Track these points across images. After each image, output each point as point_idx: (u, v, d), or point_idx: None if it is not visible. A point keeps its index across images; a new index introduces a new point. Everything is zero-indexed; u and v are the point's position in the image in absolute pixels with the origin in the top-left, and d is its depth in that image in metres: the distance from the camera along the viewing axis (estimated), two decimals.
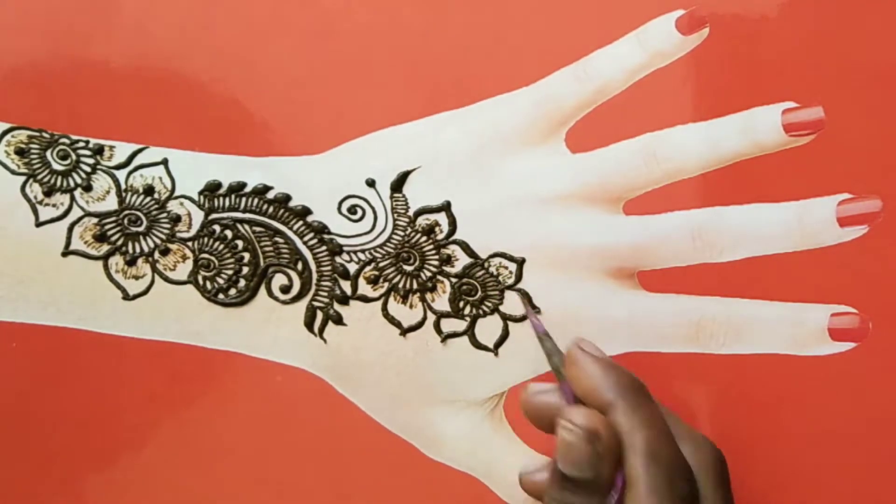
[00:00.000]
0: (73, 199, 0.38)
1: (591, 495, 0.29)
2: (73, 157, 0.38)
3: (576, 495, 0.29)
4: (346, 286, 0.38)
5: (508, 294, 0.37)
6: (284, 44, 0.38)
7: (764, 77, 0.37)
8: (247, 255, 0.38)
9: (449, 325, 0.38)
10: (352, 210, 0.38)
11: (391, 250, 0.38)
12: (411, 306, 0.38)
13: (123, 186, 0.38)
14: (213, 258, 0.38)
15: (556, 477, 0.30)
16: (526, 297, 0.37)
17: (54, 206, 0.38)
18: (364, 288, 0.38)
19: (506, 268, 0.37)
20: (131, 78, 0.38)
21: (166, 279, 0.38)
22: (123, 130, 0.38)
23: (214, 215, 0.38)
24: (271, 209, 0.38)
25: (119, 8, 0.38)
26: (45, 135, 0.38)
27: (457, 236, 0.38)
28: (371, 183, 0.38)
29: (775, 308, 0.37)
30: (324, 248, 0.38)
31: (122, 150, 0.38)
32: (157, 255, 0.38)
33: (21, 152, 0.38)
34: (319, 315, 0.38)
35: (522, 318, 0.37)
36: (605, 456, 0.29)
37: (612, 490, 0.29)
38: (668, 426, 0.30)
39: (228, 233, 0.38)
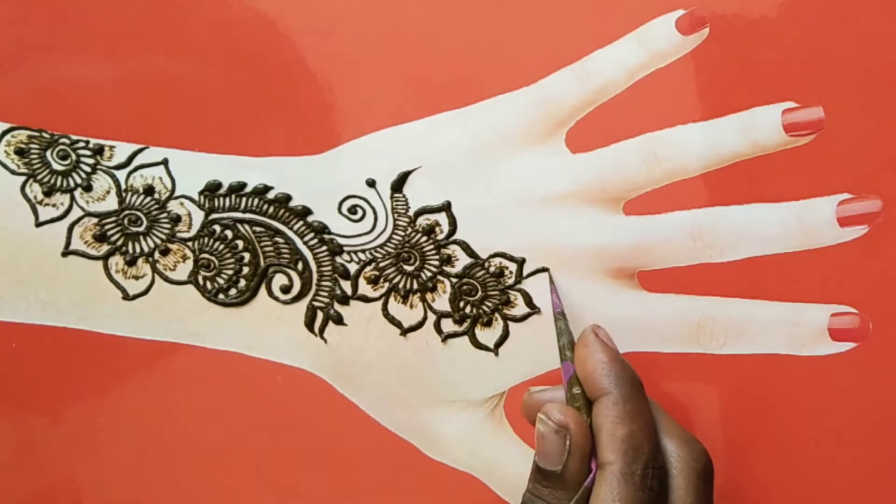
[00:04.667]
0: (73, 199, 0.38)
1: (558, 489, 0.31)
2: (73, 157, 0.38)
3: (545, 487, 0.31)
4: (346, 286, 0.38)
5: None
6: (284, 44, 0.38)
7: (764, 77, 0.37)
8: (247, 255, 0.38)
9: (449, 325, 0.38)
10: (352, 210, 0.38)
11: (391, 250, 0.38)
12: (412, 306, 0.38)
13: (123, 186, 0.38)
14: (213, 258, 0.38)
15: (532, 468, 0.32)
16: (550, 276, 0.37)
17: (54, 206, 0.38)
18: (364, 288, 0.38)
19: (506, 268, 0.37)
20: (131, 78, 0.38)
21: (166, 279, 0.38)
22: (123, 130, 0.38)
23: (215, 215, 0.38)
24: (272, 209, 0.38)
25: (119, 7, 0.38)
26: (45, 135, 0.38)
27: (457, 236, 0.38)
28: (371, 183, 0.38)
29: (775, 308, 0.37)
30: (324, 248, 0.38)
31: (122, 150, 0.38)
32: (157, 255, 0.38)
33: (21, 152, 0.38)
34: (320, 315, 0.38)
35: (523, 318, 0.37)
36: (573, 451, 0.30)
37: (588, 476, 0.31)
38: (656, 423, 0.32)
39: (229, 233, 0.38)
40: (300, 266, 0.38)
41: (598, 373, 0.32)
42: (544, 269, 0.37)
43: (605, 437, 0.30)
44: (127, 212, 0.38)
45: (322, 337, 0.38)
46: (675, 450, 0.31)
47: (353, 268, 0.38)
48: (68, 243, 0.38)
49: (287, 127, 0.38)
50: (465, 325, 0.38)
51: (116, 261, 0.38)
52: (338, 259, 0.38)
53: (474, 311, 0.38)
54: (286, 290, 0.38)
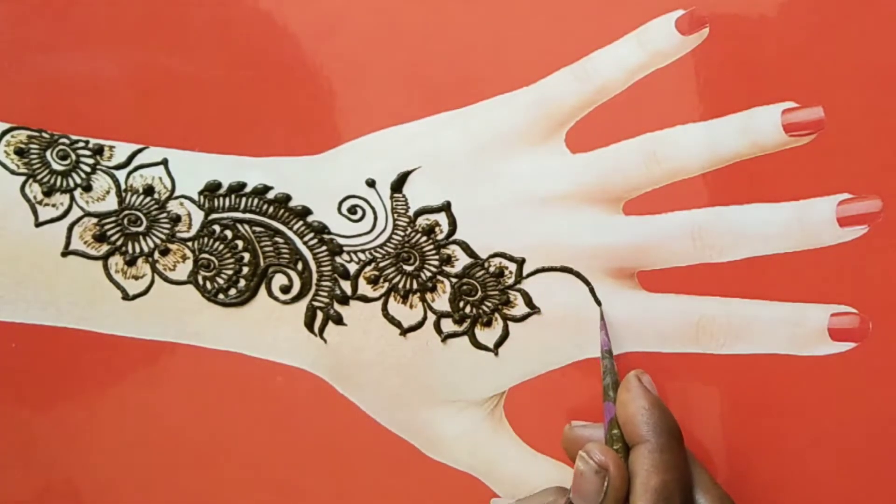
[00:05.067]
0: (72, 199, 0.38)
1: None
2: (73, 157, 0.38)
3: None
4: (346, 286, 0.38)
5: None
6: (284, 44, 0.38)
7: (764, 77, 0.37)
8: (247, 256, 0.38)
9: (449, 325, 0.38)
10: (352, 210, 0.38)
11: (391, 250, 0.38)
12: (411, 306, 0.38)
13: (123, 186, 0.38)
14: (213, 258, 0.38)
15: None
16: (601, 312, 0.37)
17: (54, 206, 0.38)
18: (364, 288, 0.38)
19: (506, 268, 0.37)
20: (131, 78, 0.38)
21: (166, 279, 0.38)
22: (123, 130, 0.38)
23: (214, 215, 0.38)
24: (271, 209, 0.38)
25: (119, 8, 0.38)
26: (44, 135, 0.38)
27: (457, 236, 0.38)
28: (371, 183, 0.38)
29: (775, 308, 0.37)
30: (324, 248, 0.38)
31: (121, 150, 0.38)
32: (156, 255, 0.38)
33: (21, 152, 0.38)
34: (319, 315, 0.38)
35: (522, 318, 0.37)
36: (609, 494, 0.31)
37: None
38: (691, 474, 0.32)
39: (228, 233, 0.38)
40: (300, 266, 0.38)
41: (638, 419, 0.32)
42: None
43: (639, 485, 0.31)
44: (127, 212, 0.38)
45: (322, 337, 0.38)
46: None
47: (352, 268, 0.38)
48: (68, 243, 0.38)
49: (287, 127, 0.38)
50: (465, 325, 0.38)
51: (116, 261, 0.38)
52: (337, 259, 0.38)
53: (474, 311, 0.38)
54: (286, 290, 0.38)
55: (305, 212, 0.38)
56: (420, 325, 0.38)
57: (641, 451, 0.31)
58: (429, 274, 0.38)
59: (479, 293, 0.38)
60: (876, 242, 0.36)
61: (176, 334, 0.38)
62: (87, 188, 0.38)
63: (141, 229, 0.38)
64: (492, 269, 0.38)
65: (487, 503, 0.38)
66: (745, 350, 0.37)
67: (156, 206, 0.38)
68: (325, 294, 0.38)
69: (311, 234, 0.38)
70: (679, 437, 0.32)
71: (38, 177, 0.38)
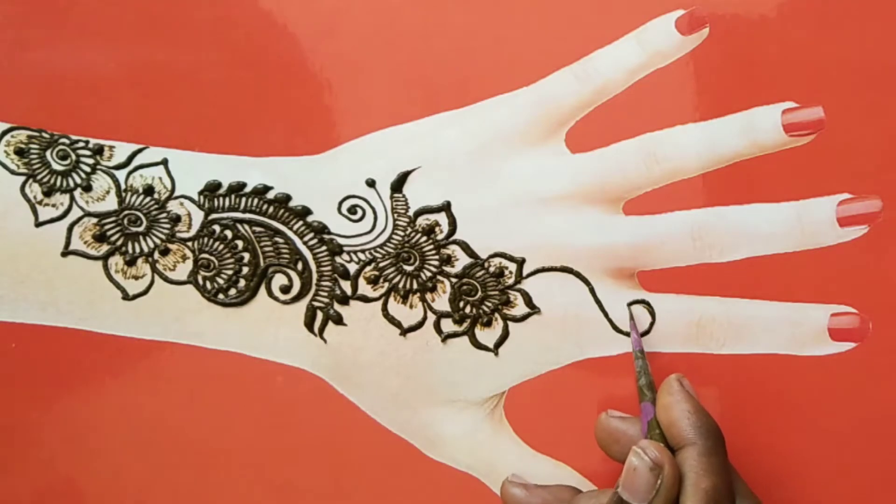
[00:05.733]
0: (72, 199, 0.38)
1: None
2: (73, 157, 0.38)
3: None
4: (346, 286, 0.38)
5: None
6: (284, 43, 0.38)
7: (764, 77, 0.37)
8: (247, 256, 0.38)
9: (449, 325, 0.38)
10: (352, 210, 0.38)
11: (391, 250, 0.38)
12: (411, 306, 0.38)
13: (123, 186, 0.38)
14: (212, 258, 0.38)
15: (613, 499, 0.31)
16: (631, 313, 0.37)
17: (54, 206, 0.38)
18: (364, 288, 0.38)
19: (506, 268, 0.37)
20: (131, 78, 0.38)
21: (166, 279, 0.38)
22: (123, 130, 0.38)
23: (214, 215, 0.38)
24: (271, 209, 0.38)
25: (119, 7, 0.38)
26: (44, 135, 0.38)
27: (457, 236, 0.38)
28: (371, 183, 0.38)
29: (775, 308, 0.37)
30: (324, 248, 0.38)
31: (121, 150, 0.38)
32: (156, 255, 0.38)
33: (21, 152, 0.38)
34: (319, 315, 0.38)
35: (523, 318, 0.37)
36: (661, 492, 0.30)
37: None
38: (733, 480, 0.32)
39: (228, 233, 0.38)
40: (300, 266, 0.38)
41: (684, 422, 0.32)
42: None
43: (690, 486, 0.30)
44: (127, 212, 0.38)
45: (322, 337, 0.38)
46: None
47: (352, 268, 0.38)
48: (68, 243, 0.38)
49: (287, 127, 0.38)
50: (465, 325, 0.38)
51: (116, 261, 0.38)
52: (337, 259, 0.38)
53: (474, 311, 0.38)
54: (286, 290, 0.38)
55: (305, 212, 0.38)
56: (420, 325, 0.38)
57: (690, 452, 0.31)
58: (429, 274, 0.38)
59: (479, 293, 0.38)
60: (876, 242, 0.36)
61: (176, 334, 0.38)
62: (87, 188, 0.38)
63: (141, 229, 0.38)
64: (492, 269, 0.38)
65: (487, 503, 0.38)
66: (745, 350, 0.37)
67: (156, 206, 0.38)
68: (325, 294, 0.38)
69: (311, 234, 0.38)
70: (723, 442, 0.32)
71: (38, 177, 0.38)
